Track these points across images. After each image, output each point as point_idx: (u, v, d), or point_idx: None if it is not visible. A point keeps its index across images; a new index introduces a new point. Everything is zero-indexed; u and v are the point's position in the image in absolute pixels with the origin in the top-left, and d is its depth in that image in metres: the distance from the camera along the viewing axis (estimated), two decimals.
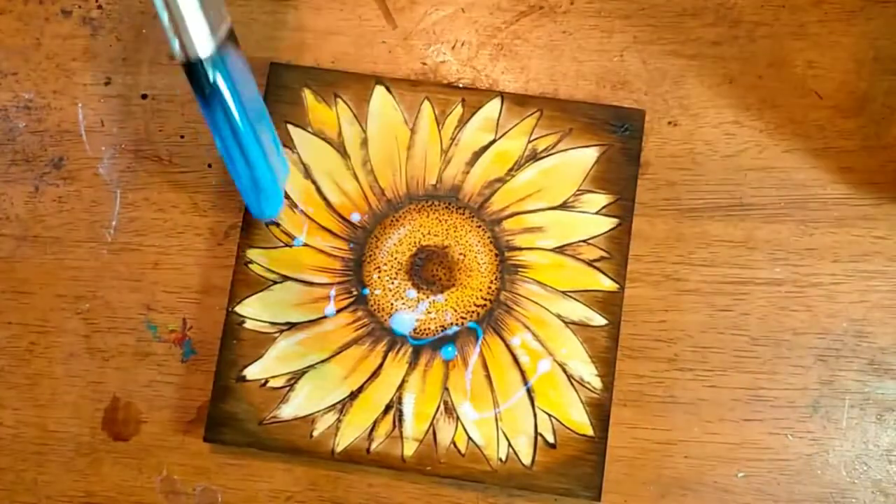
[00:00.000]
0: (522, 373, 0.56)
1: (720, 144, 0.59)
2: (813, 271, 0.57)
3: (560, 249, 0.57)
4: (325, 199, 0.58)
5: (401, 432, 0.56)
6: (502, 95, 0.58)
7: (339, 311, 0.57)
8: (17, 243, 0.59)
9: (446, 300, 0.57)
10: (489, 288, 0.57)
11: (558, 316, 0.56)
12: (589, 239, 0.57)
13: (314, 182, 0.58)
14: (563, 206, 0.57)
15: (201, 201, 0.59)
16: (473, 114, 0.58)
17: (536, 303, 0.56)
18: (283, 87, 0.59)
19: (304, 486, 0.57)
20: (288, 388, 0.56)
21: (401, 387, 0.56)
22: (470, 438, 0.55)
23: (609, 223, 0.57)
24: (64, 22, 0.61)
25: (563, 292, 0.56)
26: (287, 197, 0.58)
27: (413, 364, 0.56)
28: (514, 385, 0.56)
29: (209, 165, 0.59)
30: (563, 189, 0.57)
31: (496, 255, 0.57)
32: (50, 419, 0.58)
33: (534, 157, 0.58)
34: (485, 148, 0.58)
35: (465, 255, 0.57)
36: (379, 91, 0.59)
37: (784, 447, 0.56)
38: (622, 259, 0.57)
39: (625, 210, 0.57)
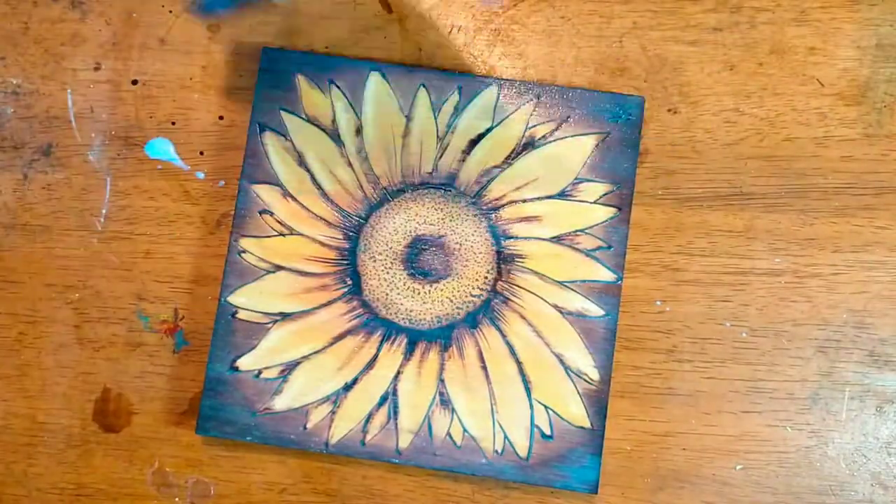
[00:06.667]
0: (519, 364, 0.55)
1: (720, 132, 0.58)
2: (813, 261, 0.57)
3: (558, 239, 0.56)
4: (319, 187, 0.57)
5: (396, 424, 0.55)
6: (499, 82, 0.57)
7: (333, 301, 0.56)
8: (6, 232, 0.58)
9: (442, 290, 0.56)
10: (486, 278, 0.56)
11: (556, 307, 0.56)
12: (587, 228, 0.56)
13: (308, 170, 0.57)
14: (562, 195, 0.56)
15: (193, 189, 0.58)
16: (470, 101, 0.57)
17: (534, 293, 0.56)
18: (275, 72, 0.58)
19: (298, 479, 0.56)
20: (281, 380, 0.55)
21: (396, 378, 0.55)
22: (465, 430, 0.55)
23: (607, 212, 0.56)
24: (52, 6, 0.60)
25: (561, 283, 0.56)
26: (281, 186, 0.57)
27: (408, 355, 0.56)
28: (511, 376, 0.55)
29: (201, 153, 0.58)
30: (561, 177, 0.57)
31: (493, 244, 0.56)
32: (40, 410, 0.57)
33: (531, 144, 0.57)
34: (482, 135, 0.57)
35: (461, 245, 0.56)
36: (374, 77, 0.58)
37: (783, 439, 0.56)
38: (621, 249, 0.56)
39: (623, 199, 0.56)
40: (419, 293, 0.56)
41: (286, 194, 0.57)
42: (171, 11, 0.60)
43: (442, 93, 0.57)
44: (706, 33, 0.59)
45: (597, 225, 0.56)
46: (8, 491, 0.57)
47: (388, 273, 0.56)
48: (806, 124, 0.58)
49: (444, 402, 0.55)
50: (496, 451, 0.55)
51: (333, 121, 0.57)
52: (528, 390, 0.55)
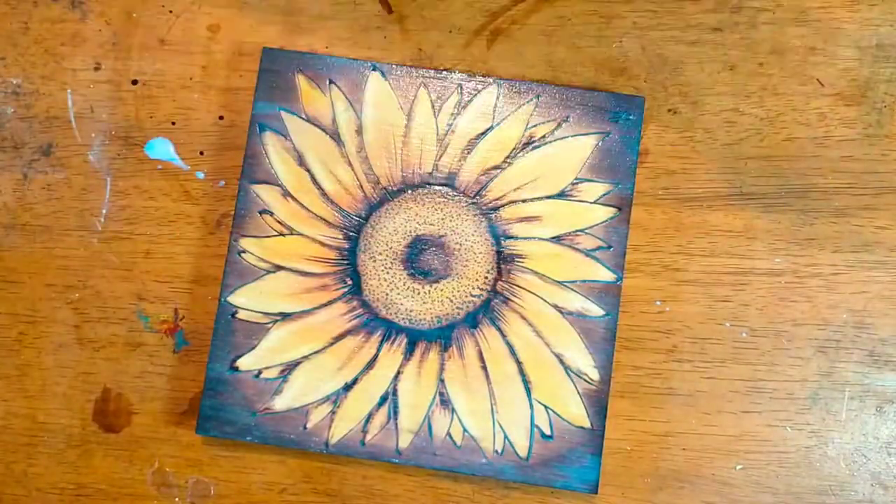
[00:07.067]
0: (519, 364, 0.55)
1: (720, 132, 0.58)
2: (813, 261, 0.57)
3: (558, 239, 0.56)
4: (319, 187, 0.57)
5: (396, 424, 0.55)
6: (499, 82, 0.57)
7: (333, 301, 0.56)
8: (6, 232, 0.58)
9: (442, 290, 0.56)
10: (486, 278, 0.56)
11: (556, 307, 0.56)
12: (587, 228, 0.56)
13: (308, 170, 0.57)
14: (562, 195, 0.56)
15: (193, 189, 0.58)
16: (470, 101, 0.57)
17: (534, 293, 0.56)
18: (275, 72, 0.58)
19: (298, 479, 0.56)
20: (281, 380, 0.55)
21: (396, 378, 0.55)
22: (465, 430, 0.55)
23: (607, 212, 0.56)
24: (52, 6, 0.60)
25: (561, 283, 0.56)
26: (281, 186, 0.57)
27: (408, 355, 0.56)
28: (511, 376, 0.55)
29: (201, 153, 0.58)
30: (561, 177, 0.57)
31: (493, 244, 0.56)
32: (40, 410, 0.57)
33: (531, 144, 0.57)
34: (481, 135, 0.57)
35: (461, 245, 0.56)
36: (374, 77, 0.58)
37: (783, 439, 0.56)
38: (620, 249, 0.56)
39: (623, 199, 0.56)
40: (419, 293, 0.56)
41: (286, 194, 0.57)
42: (171, 11, 0.60)
43: (442, 92, 0.57)
44: (706, 33, 0.59)
45: (597, 225, 0.56)
46: (8, 491, 0.57)
47: (388, 273, 0.56)
48: (806, 124, 0.58)
49: (444, 402, 0.55)
50: (496, 451, 0.55)
51: (333, 121, 0.57)
52: (528, 390, 0.55)
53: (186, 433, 0.56)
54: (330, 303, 0.56)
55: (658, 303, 0.57)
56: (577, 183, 0.57)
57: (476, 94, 0.57)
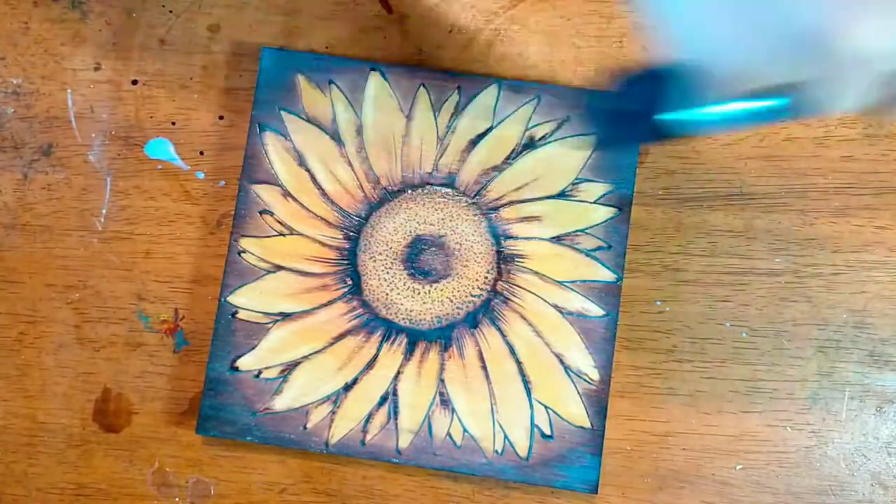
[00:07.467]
0: (519, 364, 0.55)
1: (720, 132, 0.58)
2: (813, 261, 0.57)
3: (558, 239, 0.56)
4: (319, 186, 0.57)
5: (396, 424, 0.55)
6: (499, 82, 0.57)
7: (333, 301, 0.56)
8: (6, 232, 0.58)
9: (442, 290, 0.56)
10: (486, 278, 0.56)
11: (556, 307, 0.56)
12: (587, 228, 0.56)
13: (308, 170, 0.57)
14: (562, 195, 0.56)
15: (193, 189, 0.58)
16: (470, 101, 0.57)
17: (534, 293, 0.56)
18: (275, 72, 0.58)
19: (298, 479, 0.56)
20: (281, 380, 0.55)
21: (396, 378, 0.55)
22: (465, 430, 0.55)
23: (607, 212, 0.56)
24: (52, 6, 0.60)
25: (561, 283, 0.56)
26: (281, 186, 0.57)
27: (408, 355, 0.56)
28: (511, 376, 0.55)
29: (201, 153, 0.58)
30: (561, 177, 0.57)
31: (493, 244, 0.56)
32: (40, 410, 0.57)
33: (531, 145, 0.57)
34: (482, 135, 0.57)
35: (461, 245, 0.56)
36: (374, 77, 0.58)
37: (783, 439, 0.56)
38: (620, 249, 0.56)
39: (623, 199, 0.56)
40: (419, 293, 0.56)
41: (286, 194, 0.57)
42: (171, 11, 0.60)
43: (442, 93, 0.57)
44: None
45: (597, 225, 0.56)
46: (8, 491, 0.57)
47: (388, 273, 0.56)
48: (806, 124, 0.58)
49: (444, 402, 0.55)
50: (496, 451, 0.55)
51: (333, 121, 0.58)
52: (528, 390, 0.55)
53: (186, 433, 0.56)
54: (330, 303, 0.56)
55: (658, 303, 0.57)
56: (577, 183, 0.57)
57: (476, 95, 0.57)
